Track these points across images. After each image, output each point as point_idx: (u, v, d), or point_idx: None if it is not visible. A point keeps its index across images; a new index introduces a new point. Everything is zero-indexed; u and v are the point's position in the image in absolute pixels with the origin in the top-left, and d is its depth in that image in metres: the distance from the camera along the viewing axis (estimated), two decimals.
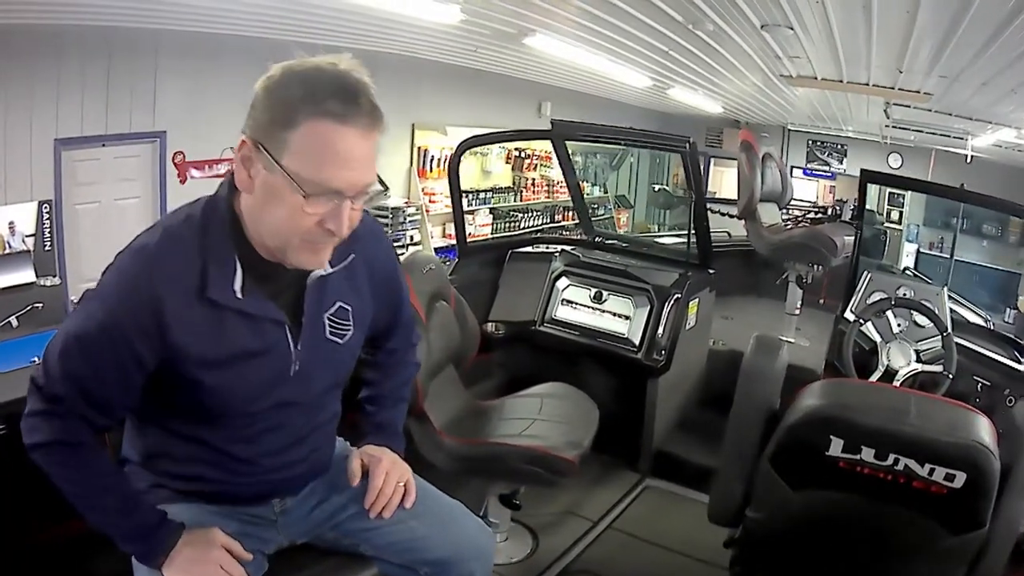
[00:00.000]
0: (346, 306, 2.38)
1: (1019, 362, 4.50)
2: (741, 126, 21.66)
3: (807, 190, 22.91)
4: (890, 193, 22.67)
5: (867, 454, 2.63)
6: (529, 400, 4.34)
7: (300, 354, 2.29)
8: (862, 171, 5.39)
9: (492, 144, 9.68)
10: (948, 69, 9.62)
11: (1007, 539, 2.75)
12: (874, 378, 4.27)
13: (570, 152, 6.00)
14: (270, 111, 2.03)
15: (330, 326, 2.36)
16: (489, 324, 5.41)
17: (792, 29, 8.65)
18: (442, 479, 3.93)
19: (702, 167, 23.43)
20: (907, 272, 6.96)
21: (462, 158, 5.46)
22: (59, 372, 2.07)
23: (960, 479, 2.55)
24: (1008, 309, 17.48)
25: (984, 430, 2.62)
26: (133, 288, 2.03)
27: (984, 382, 4.14)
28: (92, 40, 9.17)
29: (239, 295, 2.11)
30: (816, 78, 11.86)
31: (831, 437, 2.66)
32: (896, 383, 4.26)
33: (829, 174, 23.33)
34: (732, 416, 3.17)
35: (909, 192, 22.29)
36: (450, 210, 14.00)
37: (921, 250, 22.61)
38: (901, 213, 22.54)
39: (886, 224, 22.44)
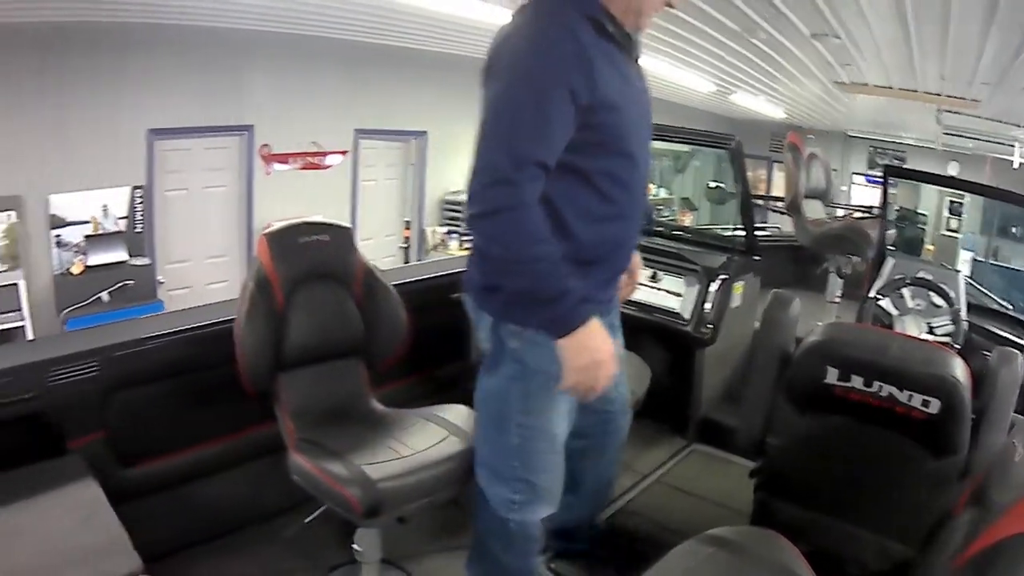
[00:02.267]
0: None
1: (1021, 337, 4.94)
2: (801, 131, 21.73)
3: (871, 196, 22.57)
4: (951, 201, 22.60)
5: (856, 381, 3.24)
6: None
7: (648, 107, 3.04)
8: (885, 167, 5.85)
9: None
10: (989, 75, 9.90)
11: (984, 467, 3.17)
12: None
13: None
14: None
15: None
16: None
17: (839, 38, 8.97)
18: None
19: (767, 172, 23.55)
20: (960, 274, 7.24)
21: None
22: (512, 123, 2.57)
23: (935, 405, 3.12)
24: None
25: (957, 367, 3.20)
26: (560, 38, 2.57)
27: (986, 352, 4.39)
28: (185, 38, 9.79)
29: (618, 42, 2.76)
30: (867, 84, 12.12)
31: (827, 367, 3.28)
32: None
33: (893, 181, 23.10)
34: (753, 358, 3.76)
35: (967, 200, 22.38)
36: None
37: (976, 258, 22.48)
38: (960, 221, 22.47)
39: (944, 232, 22.43)
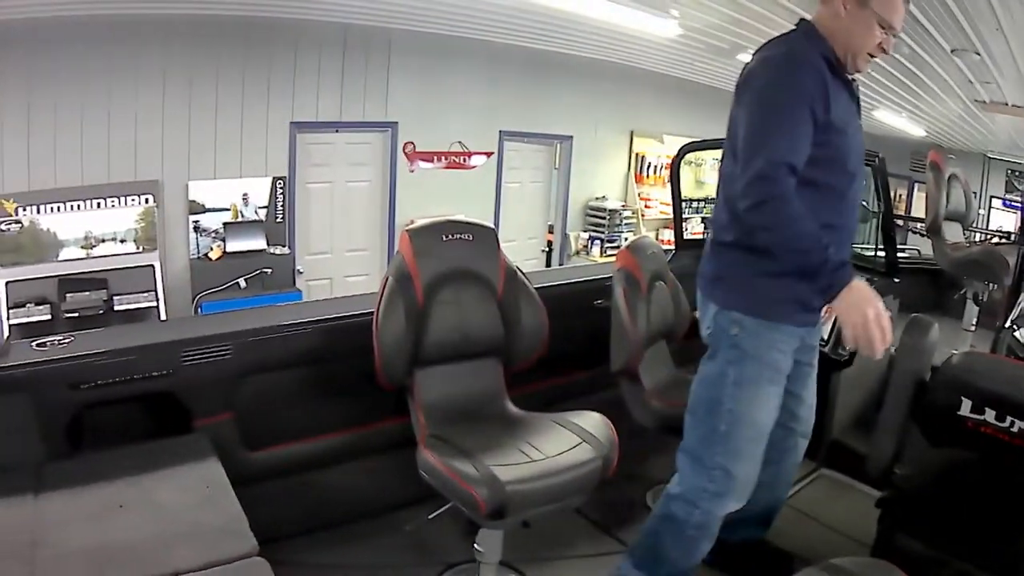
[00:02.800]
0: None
1: None
2: (942, 151, 21.09)
3: (1006, 221, 22.07)
4: None
5: (989, 415, 3.10)
6: None
7: (862, 140, 3.39)
8: None
9: (708, 151, 10.12)
10: None
11: None
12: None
13: None
14: None
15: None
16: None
17: (979, 54, 8.80)
18: (645, 436, 4.51)
19: (908, 192, 23.06)
20: None
21: (681, 163, 5.95)
22: (767, 133, 3.03)
23: None
24: None
25: None
26: (804, 69, 3.07)
27: None
28: (329, 34, 9.99)
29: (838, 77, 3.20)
30: (1007, 104, 11.84)
31: (961, 398, 3.16)
32: None
33: None
34: (889, 384, 3.60)
35: None
36: (663, 216, 14.54)
37: None
38: None
39: None
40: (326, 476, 4.12)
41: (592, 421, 3.72)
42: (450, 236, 3.91)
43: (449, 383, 3.88)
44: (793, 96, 3.03)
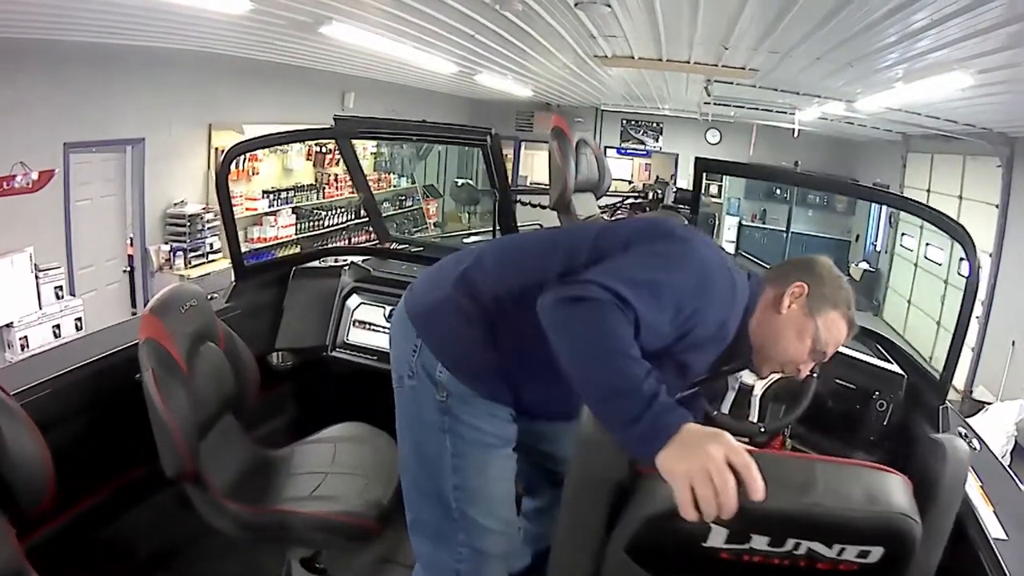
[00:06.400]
0: None
1: (885, 359, 4.10)
2: (552, 109, 21.88)
3: (621, 169, 23.92)
4: None
5: (759, 542, 1.96)
6: (321, 447, 3.91)
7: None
8: (696, 159, 4.91)
9: (267, 148, 8.66)
10: (780, 45, 9.62)
11: None
12: (727, 402, 3.63)
13: (376, 144, 5.45)
14: (832, 296, 2.74)
15: None
16: (274, 355, 4.86)
17: (609, 6, 8.44)
18: (234, 541, 3.56)
19: (514, 152, 23.72)
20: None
21: (253, 161, 5.01)
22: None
23: (876, 554, 1.95)
24: None
25: (902, 492, 1.97)
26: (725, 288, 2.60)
27: (848, 384, 3.81)
28: None
29: None
30: (633, 57, 11.84)
31: (711, 525, 1.96)
32: (755, 400, 3.71)
33: (644, 152, 23.84)
34: (568, 492, 2.27)
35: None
36: (250, 213, 13.88)
37: (743, 222, 23.36)
38: (720, 187, 23.30)
39: (704, 197, 22.89)
40: None
41: None
42: None
43: None
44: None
